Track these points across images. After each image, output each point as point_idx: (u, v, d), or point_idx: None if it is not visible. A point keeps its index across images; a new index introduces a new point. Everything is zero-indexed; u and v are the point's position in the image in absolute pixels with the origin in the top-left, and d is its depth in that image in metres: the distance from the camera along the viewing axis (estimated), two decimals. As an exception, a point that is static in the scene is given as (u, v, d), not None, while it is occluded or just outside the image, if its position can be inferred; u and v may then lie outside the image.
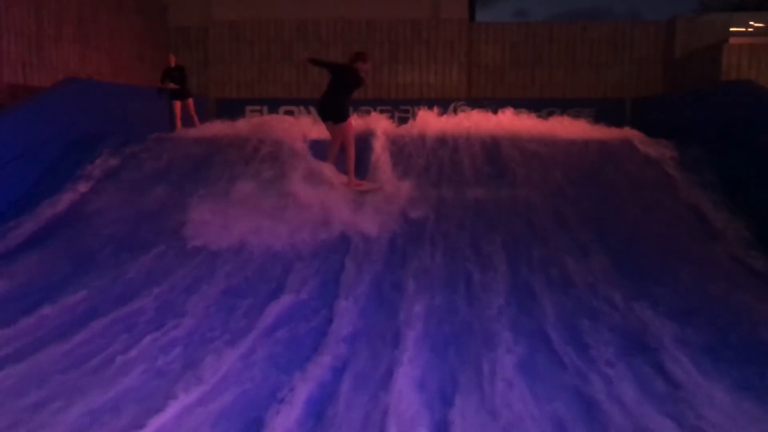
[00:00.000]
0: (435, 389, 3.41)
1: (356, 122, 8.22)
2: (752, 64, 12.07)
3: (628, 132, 9.24)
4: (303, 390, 3.33)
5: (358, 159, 7.58)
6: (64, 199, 7.40)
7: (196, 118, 12.02)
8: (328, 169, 7.38)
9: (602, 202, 7.06)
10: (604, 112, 14.02)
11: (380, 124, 9.01)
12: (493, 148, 8.39)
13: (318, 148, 7.94)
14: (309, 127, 8.99)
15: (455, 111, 12.95)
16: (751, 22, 14.85)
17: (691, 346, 4.03)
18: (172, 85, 11.74)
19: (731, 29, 14.35)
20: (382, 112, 13.65)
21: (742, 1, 20.96)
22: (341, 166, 7.47)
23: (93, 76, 11.95)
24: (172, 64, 11.88)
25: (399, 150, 8.30)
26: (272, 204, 6.59)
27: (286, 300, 4.89)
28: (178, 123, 11.83)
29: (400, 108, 14.71)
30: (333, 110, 7.37)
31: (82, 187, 7.68)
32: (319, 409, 3.19)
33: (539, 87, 16.22)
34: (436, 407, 3.20)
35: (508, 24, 16.94)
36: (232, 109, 14.36)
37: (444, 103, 13.29)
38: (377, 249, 5.96)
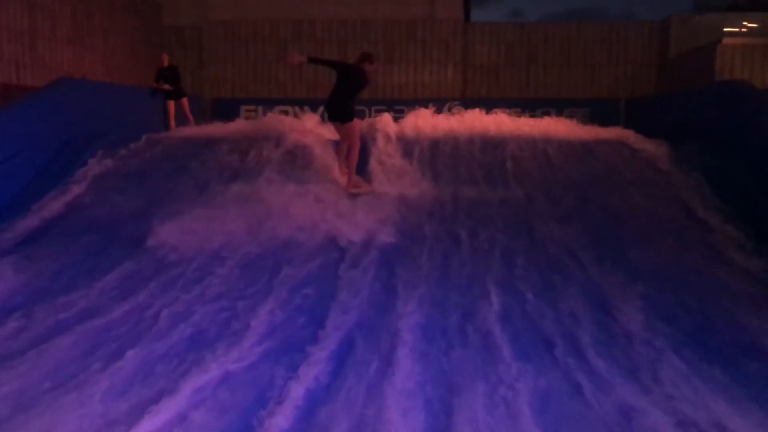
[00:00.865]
0: (435, 333, 4.23)
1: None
2: (746, 64, 12.12)
3: (620, 131, 9.25)
4: (331, 336, 4.10)
5: (365, 143, 7.82)
6: (64, 194, 7.43)
7: (191, 118, 12.01)
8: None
9: (591, 190, 7.36)
10: (598, 111, 14.06)
11: (382, 120, 9.18)
12: (487, 134, 8.86)
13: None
14: (314, 124, 9.01)
15: (450, 111, 12.96)
16: (745, 23, 14.92)
17: (647, 302, 4.69)
18: (166, 87, 11.72)
19: (725, 29, 14.41)
20: (377, 112, 13.65)
21: (735, 1, 21.03)
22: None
23: (87, 76, 11.92)
24: (165, 64, 11.87)
25: (401, 133, 8.83)
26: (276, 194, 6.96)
27: (302, 266, 5.45)
28: (173, 123, 11.81)
29: (395, 108, 14.67)
30: (339, 110, 7.37)
31: (79, 185, 7.67)
32: (345, 346, 3.99)
33: (534, 87, 16.25)
34: (435, 344, 4.05)
35: (503, 24, 16.97)
36: (227, 109, 14.35)
37: (439, 103, 13.31)
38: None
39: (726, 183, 7.16)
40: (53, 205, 7.20)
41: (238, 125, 9.68)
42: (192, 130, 10.26)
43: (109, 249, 6.02)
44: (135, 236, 6.25)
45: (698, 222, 6.56)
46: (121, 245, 6.08)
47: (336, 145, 7.86)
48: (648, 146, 8.31)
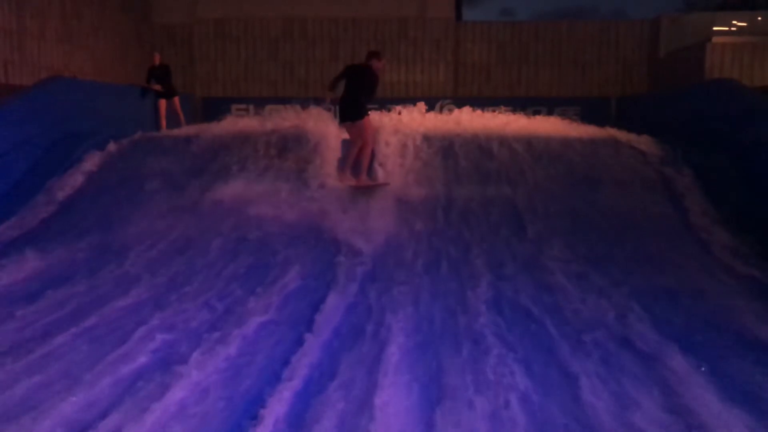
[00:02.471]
0: (434, 261, 5.53)
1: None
2: (735, 62, 12.20)
3: (612, 131, 9.29)
4: (355, 267, 5.37)
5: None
6: (55, 193, 7.48)
7: (182, 117, 11.94)
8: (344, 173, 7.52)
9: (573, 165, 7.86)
10: (589, 110, 14.08)
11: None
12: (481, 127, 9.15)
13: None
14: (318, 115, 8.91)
15: (441, 110, 12.96)
16: (734, 21, 15.02)
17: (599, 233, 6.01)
18: (156, 87, 11.67)
19: (714, 28, 14.49)
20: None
21: (725, 0, 21.17)
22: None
23: (76, 74, 11.84)
24: (157, 63, 11.79)
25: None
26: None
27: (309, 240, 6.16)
28: (163, 122, 11.74)
29: (387, 106, 14.64)
30: (350, 110, 7.33)
31: (69, 184, 7.68)
32: (368, 270, 5.30)
33: (525, 85, 16.29)
34: (427, 284, 5.10)
35: (494, 23, 17.00)
36: (217, 108, 14.26)
37: (430, 102, 13.29)
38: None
39: (713, 179, 7.22)
40: (45, 204, 7.21)
41: (229, 123, 9.64)
42: (184, 130, 10.19)
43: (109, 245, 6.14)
44: (128, 234, 6.34)
45: (685, 219, 6.71)
46: (118, 243, 6.18)
47: (346, 147, 7.82)
48: (636, 141, 8.46)
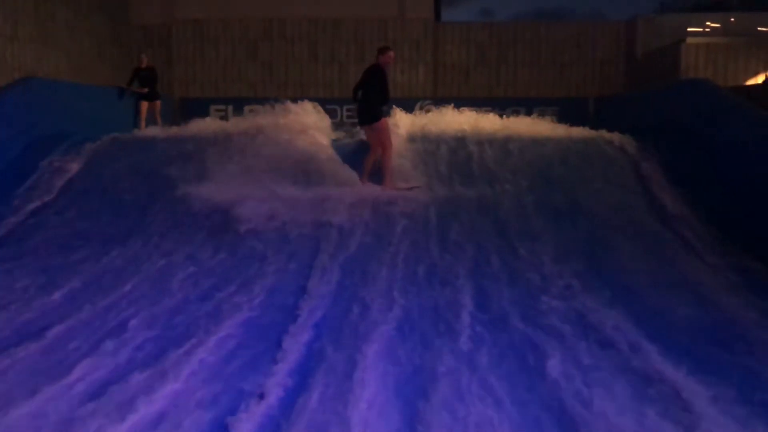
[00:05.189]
0: (409, 246, 5.90)
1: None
2: (709, 63, 12.42)
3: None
4: (349, 244, 5.85)
5: None
6: (30, 196, 7.36)
7: (159, 121, 11.82)
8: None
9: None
10: (567, 110, 14.21)
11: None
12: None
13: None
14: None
15: (422, 110, 12.98)
16: (708, 23, 15.26)
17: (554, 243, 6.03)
18: (143, 90, 11.55)
19: (689, 29, 14.73)
20: (348, 111, 13.63)
21: (698, 1, 21.51)
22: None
23: (51, 75, 11.66)
24: (143, 65, 11.65)
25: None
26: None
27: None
28: (143, 124, 11.61)
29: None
30: (365, 113, 7.29)
31: (43, 188, 7.57)
32: (353, 251, 5.72)
33: (504, 86, 16.39)
34: (416, 259, 5.57)
35: (473, 24, 17.08)
36: (196, 109, 14.13)
37: (410, 103, 13.32)
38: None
39: (688, 177, 7.34)
40: (24, 206, 7.12)
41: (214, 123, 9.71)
42: (166, 130, 10.17)
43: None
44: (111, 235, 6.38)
45: (664, 212, 6.87)
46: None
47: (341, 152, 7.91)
48: (614, 139, 8.67)
